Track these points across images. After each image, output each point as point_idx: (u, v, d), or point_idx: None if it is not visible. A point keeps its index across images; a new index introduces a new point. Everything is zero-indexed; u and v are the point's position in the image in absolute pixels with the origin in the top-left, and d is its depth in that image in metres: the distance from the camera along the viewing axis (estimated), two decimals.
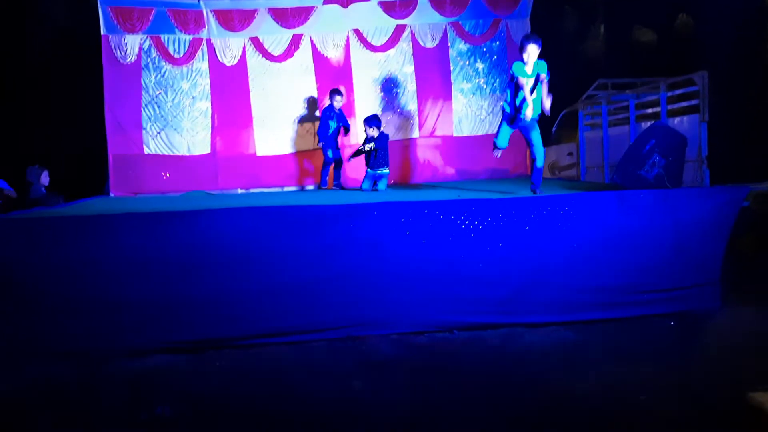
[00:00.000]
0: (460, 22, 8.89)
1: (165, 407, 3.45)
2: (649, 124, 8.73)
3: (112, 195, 8.38)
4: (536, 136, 5.65)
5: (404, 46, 8.88)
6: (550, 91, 5.45)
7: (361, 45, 8.82)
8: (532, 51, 5.42)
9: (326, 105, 8.05)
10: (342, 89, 8.23)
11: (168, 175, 8.60)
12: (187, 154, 8.68)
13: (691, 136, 7.29)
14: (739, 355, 4.05)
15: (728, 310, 4.94)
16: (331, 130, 7.95)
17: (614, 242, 4.78)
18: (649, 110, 9.24)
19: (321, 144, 7.92)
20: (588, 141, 10.73)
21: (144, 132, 8.58)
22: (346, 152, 8.30)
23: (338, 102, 7.94)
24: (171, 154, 8.64)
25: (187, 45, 8.61)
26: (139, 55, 8.54)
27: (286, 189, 8.75)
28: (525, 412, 3.28)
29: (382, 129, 7.60)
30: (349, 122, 8.24)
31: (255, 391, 3.75)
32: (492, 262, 4.69)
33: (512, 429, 3.10)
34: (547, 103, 5.42)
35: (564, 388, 3.57)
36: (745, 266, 6.33)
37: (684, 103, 8.30)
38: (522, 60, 5.47)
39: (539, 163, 5.67)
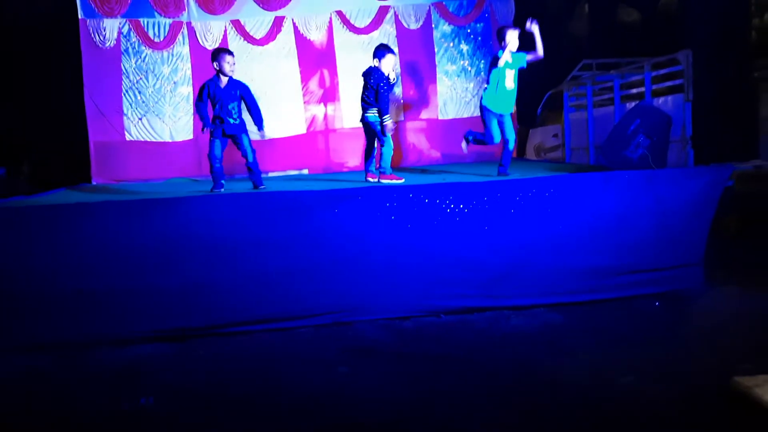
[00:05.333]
0: (443, 3, 8.81)
1: (149, 397, 3.41)
2: (633, 104, 8.71)
3: (93, 182, 8.27)
4: (509, 120, 5.93)
5: (388, 27, 8.79)
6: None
7: (344, 27, 8.73)
8: (513, 38, 5.68)
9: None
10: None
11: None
12: (170, 141, 8.57)
13: (675, 115, 7.28)
14: (724, 335, 4.07)
15: (712, 290, 4.96)
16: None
17: (599, 224, 4.78)
18: (634, 90, 9.22)
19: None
20: (573, 122, 10.71)
21: (125, 118, 8.47)
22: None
23: (228, 65, 5.77)
24: (153, 140, 8.53)
25: (167, 29, 8.47)
26: (118, 40, 8.40)
27: (271, 174, 8.67)
28: (513, 396, 3.27)
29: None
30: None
31: (240, 379, 3.72)
32: (478, 245, 4.67)
33: (500, 414, 3.09)
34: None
35: (551, 371, 3.57)
36: (729, 246, 6.37)
37: (668, 83, 8.29)
38: (503, 49, 5.70)
39: (511, 145, 5.97)
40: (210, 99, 5.82)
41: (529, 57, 5.70)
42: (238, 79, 5.92)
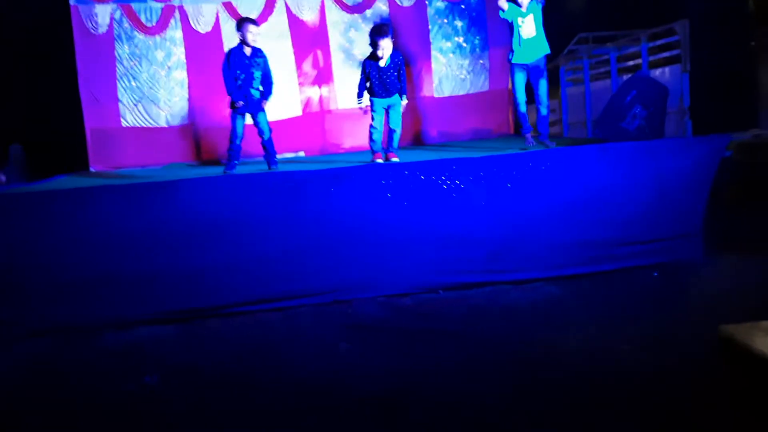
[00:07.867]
0: None
1: (152, 376, 3.45)
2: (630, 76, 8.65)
3: (92, 170, 8.26)
4: (542, 83, 5.71)
5: (380, 5, 8.70)
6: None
7: (337, 6, 8.64)
8: None
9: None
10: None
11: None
12: (166, 126, 8.54)
13: (673, 86, 7.24)
14: (722, 304, 4.07)
15: (710, 260, 4.97)
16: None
17: (597, 196, 4.78)
18: (631, 63, 9.17)
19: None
20: (570, 97, 10.67)
21: (120, 104, 8.42)
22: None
23: (251, 35, 5.89)
24: (149, 126, 8.51)
25: (159, 13, 8.39)
26: (110, 26, 8.33)
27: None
28: (510, 368, 3.30)
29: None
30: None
31: (243, 359, 3.75)
32: (475, 221, 4.67)
33: (497, 385, 3.12)
34: None
35: (549, 343, 3.59)
36: (727, 216, 6.37)
37: (665, 54, 8.23)
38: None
39: (543, 110, 5.78)
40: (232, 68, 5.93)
41: None
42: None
